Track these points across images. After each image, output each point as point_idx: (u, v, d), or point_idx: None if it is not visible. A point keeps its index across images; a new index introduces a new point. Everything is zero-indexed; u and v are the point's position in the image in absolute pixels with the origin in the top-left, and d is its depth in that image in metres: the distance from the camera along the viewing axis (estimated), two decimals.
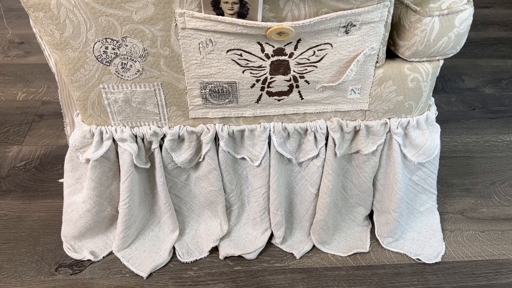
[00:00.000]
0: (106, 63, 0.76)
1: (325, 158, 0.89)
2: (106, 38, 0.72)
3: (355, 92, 0.82)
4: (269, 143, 0.88)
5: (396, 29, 0.78)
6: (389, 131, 0.87)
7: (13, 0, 1.90)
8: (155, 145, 0.87)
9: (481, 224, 1.06)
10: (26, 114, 1.34)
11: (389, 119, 0.86)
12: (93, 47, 0.73)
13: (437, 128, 0.91)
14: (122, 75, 0.77)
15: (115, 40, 0.73)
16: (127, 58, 0.75)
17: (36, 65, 1.55)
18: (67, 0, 0.67)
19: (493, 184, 1.16)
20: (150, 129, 0.84)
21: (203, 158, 0.88)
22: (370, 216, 1.04)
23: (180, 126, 0.85)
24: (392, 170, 0.92)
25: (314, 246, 1.00)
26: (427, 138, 0.89)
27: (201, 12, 0.69)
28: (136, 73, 0.77)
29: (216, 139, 0.87)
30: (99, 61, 0.75)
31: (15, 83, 1.47)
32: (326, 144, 0.88)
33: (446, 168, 1.19)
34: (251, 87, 0.79)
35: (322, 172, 0.91)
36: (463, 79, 1.53)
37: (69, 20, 0.70)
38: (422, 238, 1.01)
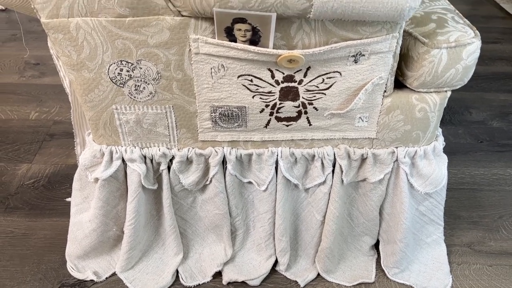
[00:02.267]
0: (120, 85, 0.78)
1: (332, 185, 0.89)
2: (121, 61, 0.74)
3: (362, 120, 0.83)
4: (276, 168, 0.88)
5: (404, 60, 0.80)
6: (396, 160, 0.88)
7: (32, 23, 1.96)
8: (163, 167, 0.88)
9: (489, 258, 1.04)
10: (37, 133, 1.36)
11: (397, 148, 0.87)
12: (108, 68, 0.75)
13: (444, 158, 0.91)
14: (135, 97, 0.79)
15: (130, 62, 0.75)
16: (141, 80, 0.77)
17: (50, 86, 1.58)
18: (86, 23, 0.70)
19: (501, 217, 1.15)
20: (159, 150, 0.86)
21: (210, 181, 0.89)
22: (376, 245, 1.03)
23: (189, 148, 0.86)
24: (398, 199, 0.92)
25: (318, 274, 0.98)
26: (434, 168, 0.89)
27: (215, 38, 0.71)
28: (148, 95, 0.79)
29: (223, 162, 0.88)
30: (113, 82, 0.77)
31: (29, 102, 1.50)
32: (333, 171, 0.89)
33: (453, 200, 1.19)
34: (260, 112, 0.80)
35: (329, 199, 0.91)
36: (471, 112, 1.54)
37: (86, 42, 0.72)
38: (428, 270, 0.99)
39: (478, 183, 1.25)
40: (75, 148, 1.05)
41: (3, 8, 2.06)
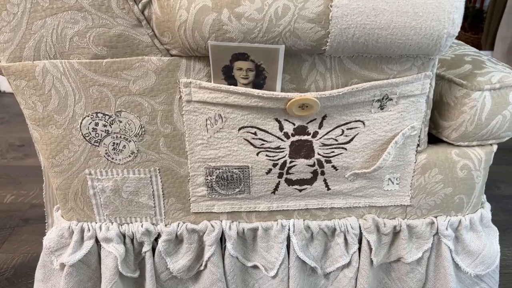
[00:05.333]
0: (95, 143, 0.63)
1: (358, 268, 0.72)
2: (97, 113, 0.61)
3: (393, 183, 0.67)
4: (288, 247, 0.71)
5: (438, 108, 0.67)
6: (437, 233, 0.71)
7: None
8: (146, 248, 0.70)
9: None
10: (10, 218, 1.20)
11: (436, 217, 0.71)
12: (81, 123, 0.62)
13: (494, 230, 0.75)
14: (113, 158, 0.65)
15: (107, 115, 0.61)
16: (120, 137, 0.63)
17: (32, 167, 1.45)
18: (55, 67, 0.58)
19: None
20: (142, 226, 0.69)
21: (205, 266, 0.71)
22: None
23: (178, 223, 0.69)
24: (443, 284, 0.73)
25: None
26: (484, 243, 0.72)
27: (211, 82, 0.59)
28: (129, 156, 0.65)
29: (222, 240, 0.71)
30: (86, 140, 0.63)
31: (6, 185, 1.35)
32: (359, 249, 0.71)
33: (500, 287, 0.98)
34: (267, 173, 0.65)
35: (355, 286, 0.72)
36: (499, 186, 1.39)
37: (55, 90, 0.60)
38: None
39: None
40: (46, 230, 0.88)
41: None
